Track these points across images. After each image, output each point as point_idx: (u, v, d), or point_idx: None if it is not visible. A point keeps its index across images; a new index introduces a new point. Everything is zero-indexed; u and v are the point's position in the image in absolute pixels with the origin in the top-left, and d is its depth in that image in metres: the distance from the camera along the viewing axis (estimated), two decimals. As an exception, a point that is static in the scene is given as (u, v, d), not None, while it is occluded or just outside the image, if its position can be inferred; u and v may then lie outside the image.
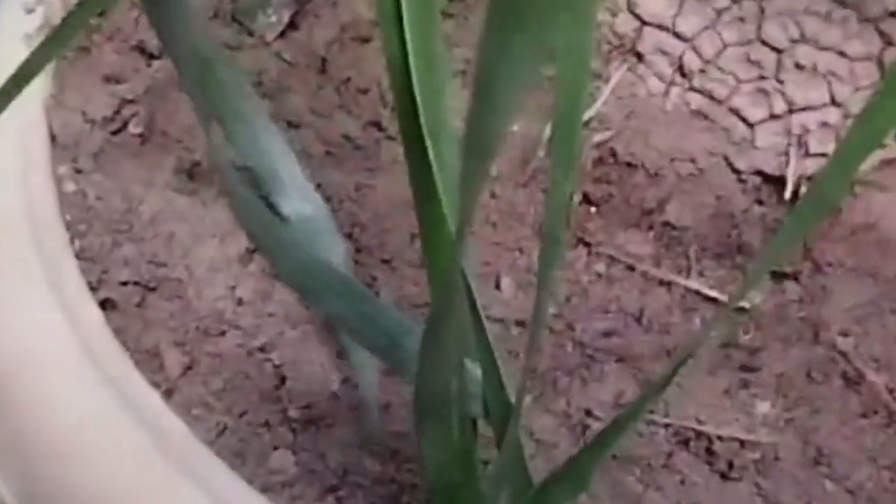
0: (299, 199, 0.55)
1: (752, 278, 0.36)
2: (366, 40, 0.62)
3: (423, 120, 0.37)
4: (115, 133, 0.59)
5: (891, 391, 0.53)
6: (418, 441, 0.40)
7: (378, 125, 0.59)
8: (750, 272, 0.36)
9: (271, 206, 0.54)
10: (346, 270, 0.45)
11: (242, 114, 0.52)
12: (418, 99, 0.36)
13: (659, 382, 0.36)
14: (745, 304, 0.55)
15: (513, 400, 0.39)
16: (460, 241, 0.28)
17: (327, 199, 0.56)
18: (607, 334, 0.55)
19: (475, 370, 0.40)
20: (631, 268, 0.56)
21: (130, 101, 0.60)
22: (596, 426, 0.54)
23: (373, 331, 0.37)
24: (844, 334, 0.54)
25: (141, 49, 0.62)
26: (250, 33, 0.62)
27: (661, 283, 0.56)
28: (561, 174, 0.34)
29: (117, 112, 0.60)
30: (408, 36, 0.36)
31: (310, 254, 0.37)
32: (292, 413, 0.53)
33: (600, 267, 0.56)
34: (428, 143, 0.36)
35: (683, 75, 0.55)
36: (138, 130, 0.59)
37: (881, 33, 0.52)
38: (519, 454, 0.39)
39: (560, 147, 0.33)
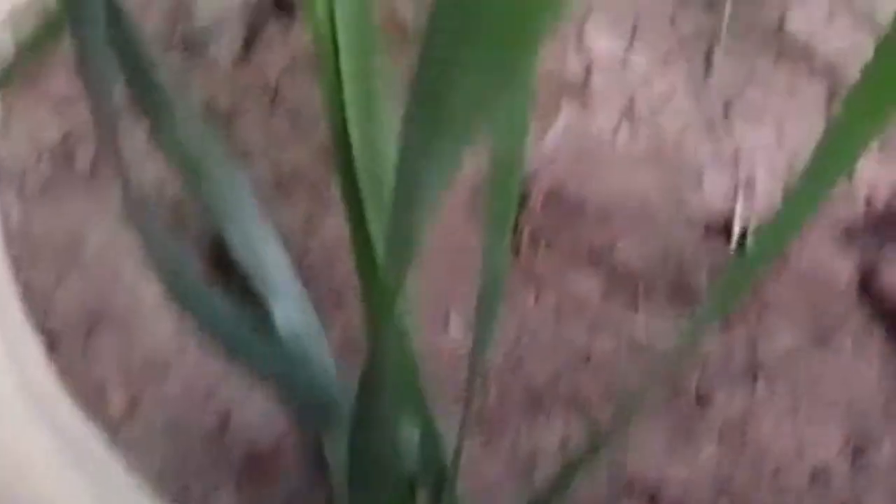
0: (292, 310, 0.54)
1: (699, 324, 0.36)
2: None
3: (359, 174, 0.37)
4: (63, 162, 0.59)
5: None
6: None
7: (329, 156, 0.59)
8: (697, 317, 0.36)
9: (265, 313, 0.53)
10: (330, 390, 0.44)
11: (239, 217, 0.52)
12: (355, 151, 0.36)
13: (606, 434, 0.36)
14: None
15: (449, 461, 0.39)
16: (388, 320, 0.28)
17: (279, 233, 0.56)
18: (555, 375, 0.55)
19: (411, 431, 0.39)
20: (580, 307, 0.56)
21: (79, 131, 0.60)
22: (542, 469, 0.54)
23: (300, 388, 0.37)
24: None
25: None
26: (203, 59, 0.62)
27: (610, 323, 0.56)
28: (498, 220, 0.34)
29: (66, 140, 0.60)
30: (345, 80, 0.37)
31: (233, 313, 0.37)
32: (236, 456, 0.53)
33: (549, 306, 0.56)
34: (363, 188, 0.36)
35: (633, 115, 0.54)
36: (87, 159, 0.59)
37: (829, 79, 0.52)
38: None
39: (494, 210, 0.33)
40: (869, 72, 0.25)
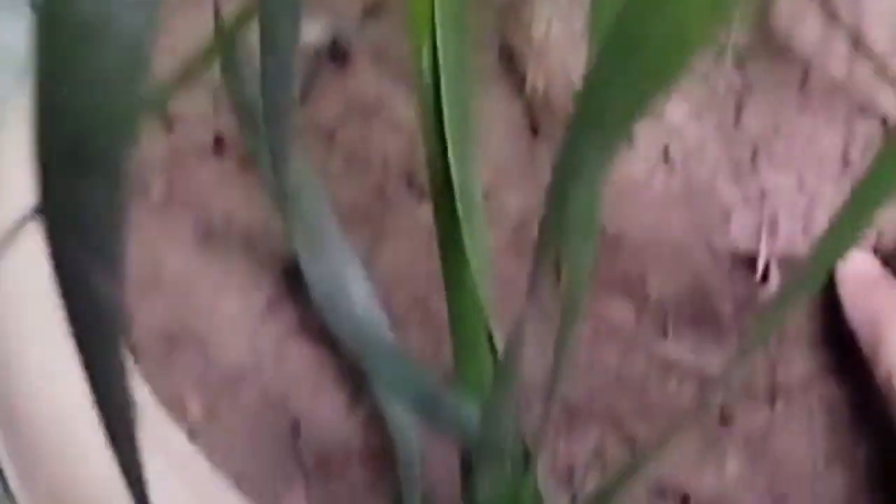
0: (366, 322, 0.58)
1: (740, 358, 0.42)
2: (372, 113, 0.67)
3: (457, 195, 0.42)
4: (139, 193, 0.64)
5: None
6: (468, 487, 0.45)
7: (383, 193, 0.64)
8: (737, 352, 0.41)
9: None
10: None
11: (321, 243, 0.57)
12: (453, 171, 0.41)
13: (651, 448, 0.41)
14: (718, 371, 0.61)
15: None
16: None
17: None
18: (590, 394, 0.61)
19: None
20: (614, 332, 0.61)
21: (149, 163, 0.65)
22: (577, 477, 0.59)
23: (416, 394, 0.43)
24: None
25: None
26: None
27: (641, 346, 0.61)
28: (578, 266, 0.39)
29: (139, 173, 0.65)
30: (444, 104, 0.41)
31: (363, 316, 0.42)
32: (307, 460, 0.58)
33: (586, 330, 0.62)
34: (462, 222, 0.41)
35: (668, 161, 0.60)
36: (161, 193, 0.64)
37: (849, 127, 0.58)
38: (539, 496, 0.44)
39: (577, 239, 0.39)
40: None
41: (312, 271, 0.57)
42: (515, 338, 0.36)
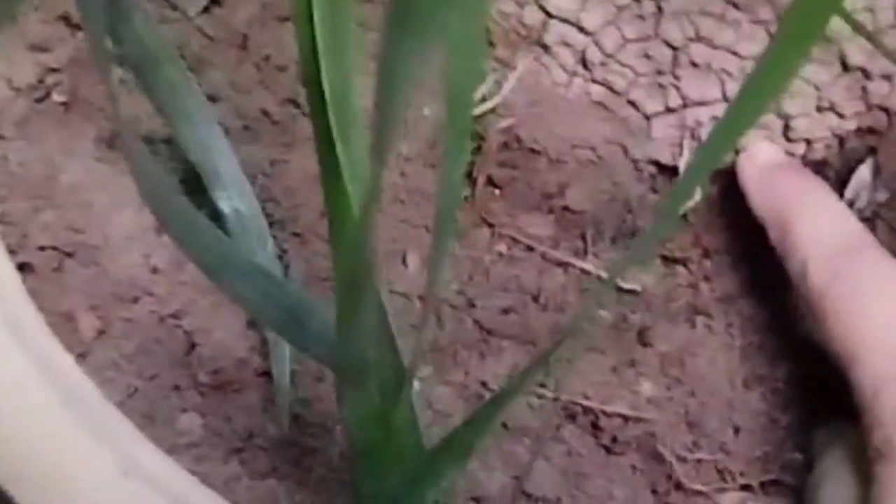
0: (237, 197, 0.57)
1: (636, 255, 0.39)
2: (286, 19, 0.64)
3: (330, 109, 0.39)
4: (38, 101, 0.61)
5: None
6: (339, 406, 0.42)
7: (295, 102, 0.61)
8: (634, 250, 0.38)
9: (210, 203, 0.56)
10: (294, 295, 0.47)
11: (189, 114, 0.55)
12: (326, 88, 0.39)
13: (544, 355, 0.38)
14: (637, 287, 0.58)
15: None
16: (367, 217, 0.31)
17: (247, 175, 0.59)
18: (506, 311, 0.58)
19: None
20: (531, 249, 0.59)
21: (55, 70, 0.62)
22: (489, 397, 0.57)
23: (275, 310, 0.40)
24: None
25: (66, 19, 0.63)
26: (174, 8, 0.64)
27: (559, 264, 0.59)
28: (452, 158, 0.37)
29: (41, 80, 0.62)
30: (317, 26, 0.38)
31: (216, 234, 0.39)
32: (201, 378, 0.55)
33: (502, 247, 0.59)
34: (334, 129, 0.39)
35: (586, 67, 0.57)
36: (62, 99, 0.61)
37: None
38: (413, 420, 0.42)
39: (452, 133, 0.36)
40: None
41: (191, 155, 0.55)
42: (364, 249, 0.33)
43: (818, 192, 0.54)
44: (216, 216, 0.56)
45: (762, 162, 0.56)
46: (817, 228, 0.52)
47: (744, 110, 0.32)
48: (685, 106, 0.57)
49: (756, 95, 0.31)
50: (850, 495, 0.49)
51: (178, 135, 0.56)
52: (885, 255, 0.51)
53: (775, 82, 0.31)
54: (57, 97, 0.61)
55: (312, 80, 0.38)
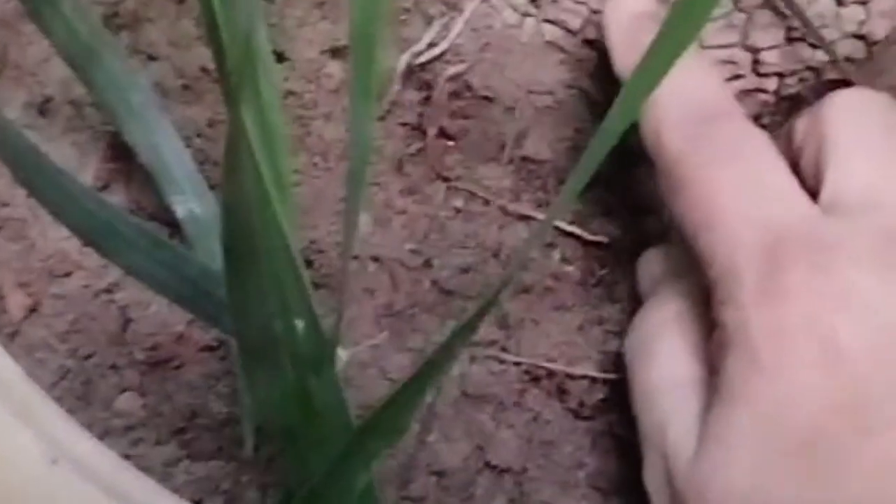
0: (192, 200, 0.52)
1: (568, 193, 0.35)
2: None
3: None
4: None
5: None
6: (248, 386, 0.39)
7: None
8: (566, 187, 0.34)
9: (166, 207, 0.52)
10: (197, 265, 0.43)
11: (136, 109, 0.51)
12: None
13: (478, 312, 0.34)
14: (604, 239, 0.55)
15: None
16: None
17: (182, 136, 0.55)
18: (465, 270, 0.55)
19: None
20: (489, 203, 0.55)
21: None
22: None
23: (175, 280, 0.36)
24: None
25: (-10, -21, 0.60)
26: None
27: (520, 217, 0.55)
28: (361, 103, 0.33)
29: None
30: None
31: (98, 200, 0.36)
32: (138, 355, 0.52)
33: (458, 202, 0.55)
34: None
35: (537, 6, 0.53)
36: (-10, 62, 0.58)
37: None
38: (338, 397, 0.38)
39: (359, 74, 0.32)
40: None
41: (139, 152, 0.51)
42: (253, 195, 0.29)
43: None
44: (170, 222, 0.52)
45: (627, 10, 0.49)
46: (676, 89, 0.45)
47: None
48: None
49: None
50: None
51: (125, 133, 0.52)
52: (750, 127, 0.45)
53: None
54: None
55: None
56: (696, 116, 0.45)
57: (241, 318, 0.33)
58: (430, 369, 0.35)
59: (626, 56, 0.48)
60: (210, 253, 0.48)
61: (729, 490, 0.41)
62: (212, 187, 0.55)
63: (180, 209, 0.50)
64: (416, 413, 0.39)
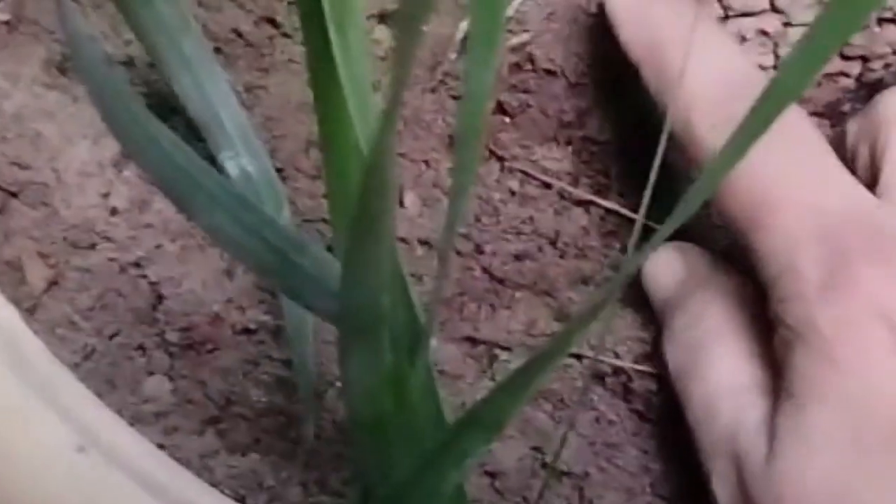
0: (245, 156, 0.48)
1: (683, 211, 0.31)
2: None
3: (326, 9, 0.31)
4: (-23, 20, 0.53)
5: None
6: (342, 367, 0.35)
7: (273, 21, 0.54)
8: (683, 202, 0.31)
9: (213, 162, 0.48)
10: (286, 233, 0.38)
11: (186, 56, 0.46)
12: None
13: (585, 317, 0.31)
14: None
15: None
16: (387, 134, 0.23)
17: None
18: (519, 258, 0.51)
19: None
20: (547, 185, 0.51)
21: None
22: (504, 357, 0.50)
23: (260, 247, 0.32)
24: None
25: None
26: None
27: (579, 203, 0.51)
28: (477, 77, 0.29)
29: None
30: None
31: (188, 155, 0.32)
32: (170, 336, 0.48)
33: (514, 184, 0.52)
34: (332, 35, 0.31)
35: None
36: (5, 17, 0.53)
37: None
38: (431, 386, 0.34)
39: (478, 45, 0.28)
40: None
41: (189, 105, 0.47)
42: (382, 175, 0.25)
43: (703, 25, 0.44)
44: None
45: None
46: (703, 69, 0.43)
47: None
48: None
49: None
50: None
51: (175, 83, 0.47)
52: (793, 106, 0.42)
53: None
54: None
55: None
56: (726, 95, 0.43)
57: (352, 291, 0.29)
58: (537, 364, 0.31)
59: (634, 36, 0.46)
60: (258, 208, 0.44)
61: (810, 489, 0.39)
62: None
63: (231, 166, 0.46)
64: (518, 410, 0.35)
